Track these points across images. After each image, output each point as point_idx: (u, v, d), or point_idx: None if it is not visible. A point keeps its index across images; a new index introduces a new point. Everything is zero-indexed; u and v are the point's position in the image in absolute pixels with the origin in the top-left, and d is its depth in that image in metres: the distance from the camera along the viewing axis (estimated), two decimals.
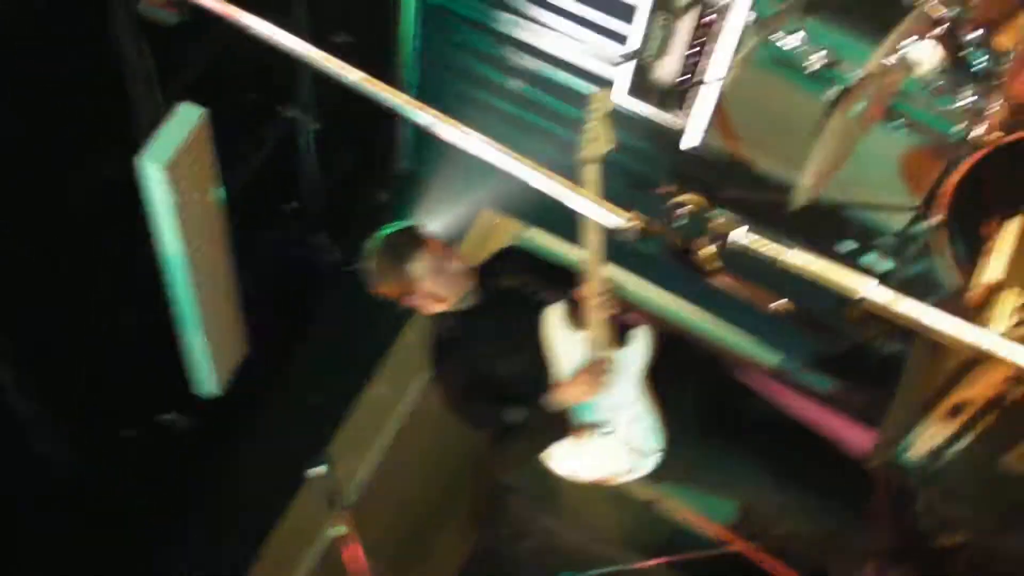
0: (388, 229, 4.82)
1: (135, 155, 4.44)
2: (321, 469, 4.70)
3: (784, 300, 1.75)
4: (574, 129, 4.57)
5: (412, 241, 4.74)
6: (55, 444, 5.21)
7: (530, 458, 4.81)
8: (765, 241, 1.92)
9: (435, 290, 4.71)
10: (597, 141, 4.41)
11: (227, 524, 6.55)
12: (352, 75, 2.18)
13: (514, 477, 4.71)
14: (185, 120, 4.56)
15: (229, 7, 2.33)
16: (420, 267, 4.67)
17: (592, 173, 4.42)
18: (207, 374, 5.76)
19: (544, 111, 6.96)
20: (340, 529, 4.66)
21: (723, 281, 1.79)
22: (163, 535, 6.17)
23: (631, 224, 1.87)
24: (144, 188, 4.56)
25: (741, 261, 2.01)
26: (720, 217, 1.93)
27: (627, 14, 5.88)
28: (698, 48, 5.30)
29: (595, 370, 4.51)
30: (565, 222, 4.69)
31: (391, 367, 7.35)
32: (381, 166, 7.84)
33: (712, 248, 1.91)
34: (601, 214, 1.87)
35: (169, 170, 4.49)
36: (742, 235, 1.90)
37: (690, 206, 1.90)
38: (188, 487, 6.38)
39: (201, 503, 6.52)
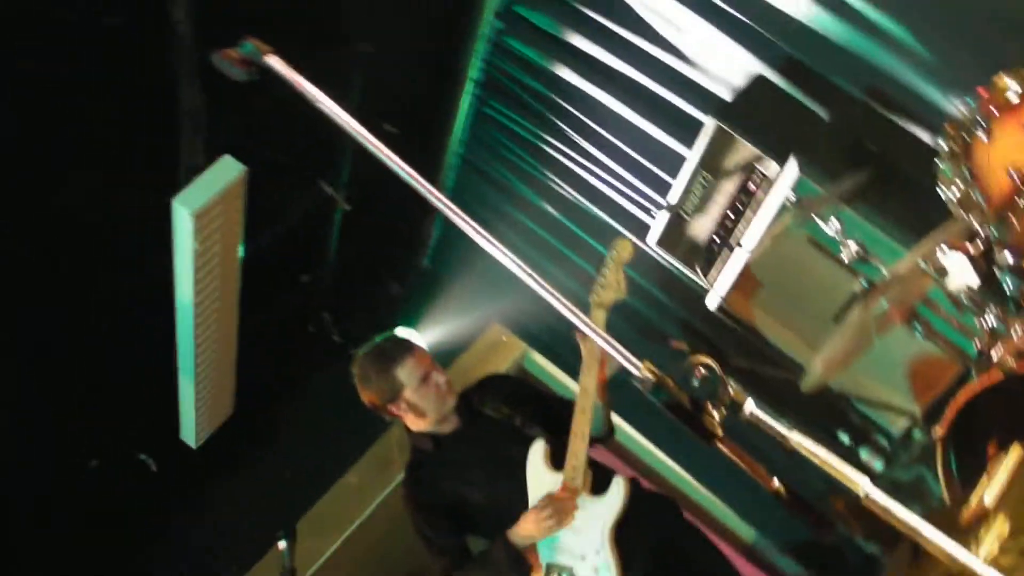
0: (379, 337, 4.86)
1: (170, 196, 4.48)
2: (282, 543, 4.64)
3: (777, 481, 1.74)
4: (597, 265, 4.64)
5: (400, 349, 4.76)
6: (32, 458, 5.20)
7: None
8: (770, 418, 1.91)
9: (416, 402, 4.71)
10: (608, 288, 4.52)
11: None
12: (398, 163, 2.19)
13: None
14: (224, 172, 4.61)
15: (296, 75, 2.36)
16: (404, 374, 4.68)
17: (599, 318, 4.49)
18: (190, 424, 5.75)
19: (573, 241, 6.99)
20: None
21: (723, 448, 1.78)
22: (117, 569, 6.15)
23: (645, 375, 1.86)
24: (173, 230, 4.59)
25: (739, 428, 2.00)
26: (730, 385, 1.92)
27: (674, 165, 5.94)
28: (735, 213, 5.34)
29: (563, 502, 4.49)
30: (569, 354, 4.74)
31: (369, 460, 7.34)
32: (402, 259, 7.88)
33: (717, 415, 1.90)
34: (619, 357, 1.87)
35: (198, 218, 4.52)
36: (750, 407, 1.90)
37: (704, 369, 1.90)
38: (149, 530, 6.36)
39: (159, 549, 6.49)
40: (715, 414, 1.91)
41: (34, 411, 5.13)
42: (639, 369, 1.87)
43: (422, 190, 2.03)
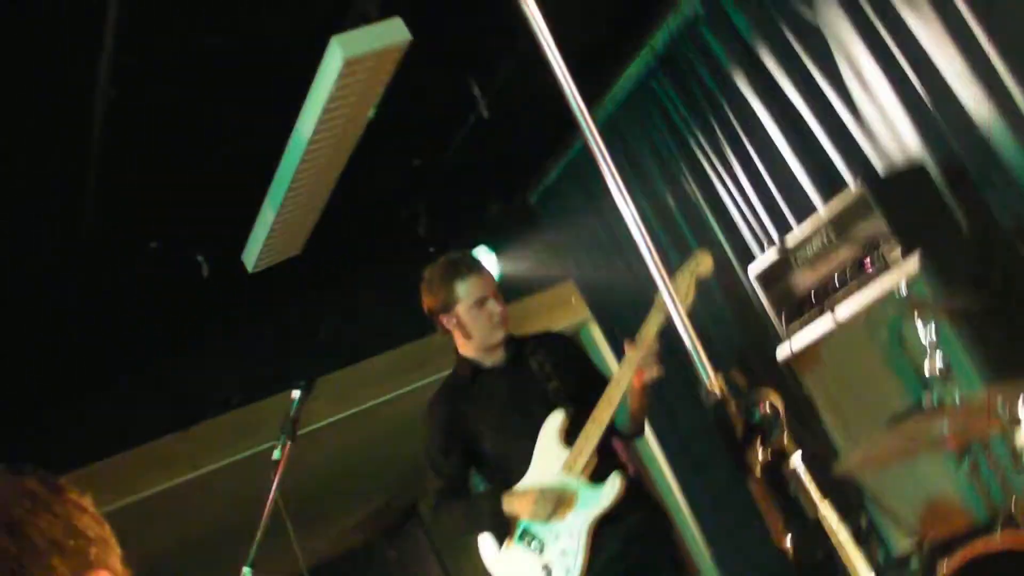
0: (457, 253, 4.89)
1: (328, 33, 4.50)
2: (297, 392, 4.66)
3: (790, 540, 1.71)
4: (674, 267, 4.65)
5: (469, 265, 4.80)
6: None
7: (462, 529, 4.82)
8: (810, 479, 1.90)
9: (467, 321, 4.74)
10: (676, 294, 4.46)
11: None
12: (568, 82, 2.15)
13: (438, 534, 4.71)
14: (391, 33, 4.63)
15: None
16: (463, 289, 4.71)
17: (655, 319, 4.48)
18: (255, 249, 5.80)
19: (678, 239, 6.97)
20: (276, 452, 4.60)
21: (754, 487, 1.76)
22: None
23: (714, 388, 1.85)
24: (320, 65, 4.61)
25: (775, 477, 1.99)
26: (787, 432, 1.91)
27: (803, 210, 5.89)
28: (841, 281, 5.28)
29: (564, 504, 4.53)
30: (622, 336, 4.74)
31: (403, 354, 7.39)
32: (512, 185, 7.88)
33: (762, 454, 1.88)
34: (698, 359, 1.85)
35: (348, 64, 4.54)
36: (797, 462, 1.88)
37: (769, 407, 1.88)
38: (175, 334, 6.47)
39: (178, 357, 6.61)
40: (760, 453, 1.89)
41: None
42: (710, 380, 1.85)
43: (581, 119, 2.00)
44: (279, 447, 4.56)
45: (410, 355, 7.39)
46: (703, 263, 4.64)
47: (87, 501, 1.39)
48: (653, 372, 4.50)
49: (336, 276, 7.12)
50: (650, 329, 4.52)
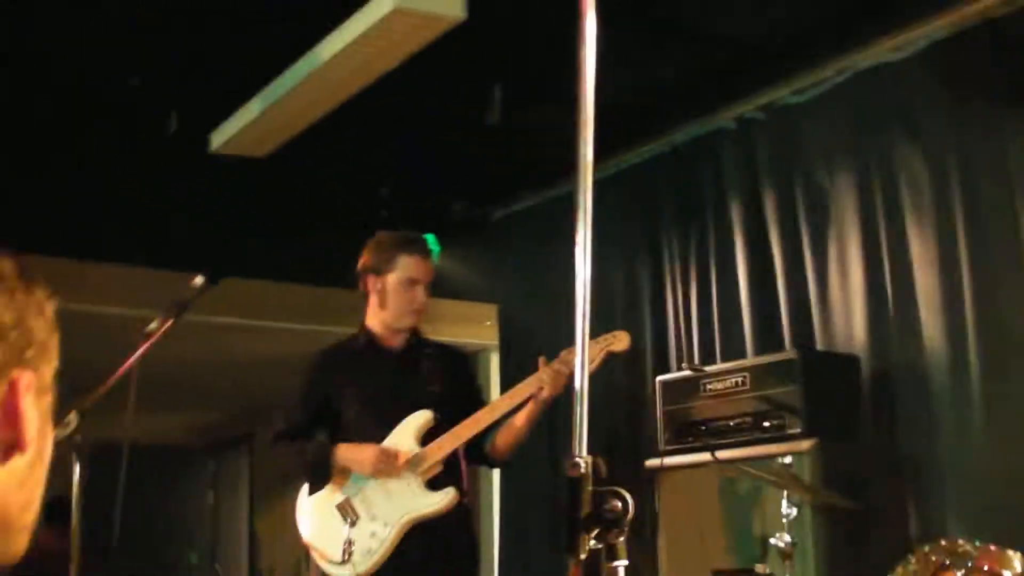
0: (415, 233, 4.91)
1: None
2: (200, 279, 4.58)
3: None
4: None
5: (419, 247, 4.80)
6: None
7: (290, 467, 4.82)
8: None
9: (390, 293, 4.75)
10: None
11: None
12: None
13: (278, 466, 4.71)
14: None
15: None
16: (403, 264, 4.71)
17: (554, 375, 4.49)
18: (227, 130, 5.79)
19: (608, 315, 7.04)
20: (153, 324, 4.52)
21: (571, 573, 1.77)
22: None
23: (579, 463, 1.86)
24: None
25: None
26: (624, 536, 1.92)
27: (733, 352, 5.97)
28: (738, 428, 5.35)
29: (395, 461, 4.54)
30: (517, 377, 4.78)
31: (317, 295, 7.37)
32: (483, 194, 7.89)
33: (593, 543, 1.89)
34: (582, 428, 1.86)
35: None
36: (621, 565, 1.89)
37: (621, 504, 1.89)
38: None
39: None
40: (592, 543, 1.89)
41: None
42: (581, 454, 1.86)
43: (580, 169, 2.00)
44: (158, 321, 4.50)
45: (323, 300, 7.38)
46: (620, 342, 4.61)
47: (50, 307, 1.36)
48: (561, 383, 4.49)
49: (288, 194, 7.09)
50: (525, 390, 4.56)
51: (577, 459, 1.85)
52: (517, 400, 4.61)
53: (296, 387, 4.83)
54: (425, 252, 4.80)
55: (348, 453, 4.62)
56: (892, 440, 5.47)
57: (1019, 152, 4.98)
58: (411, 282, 4.73)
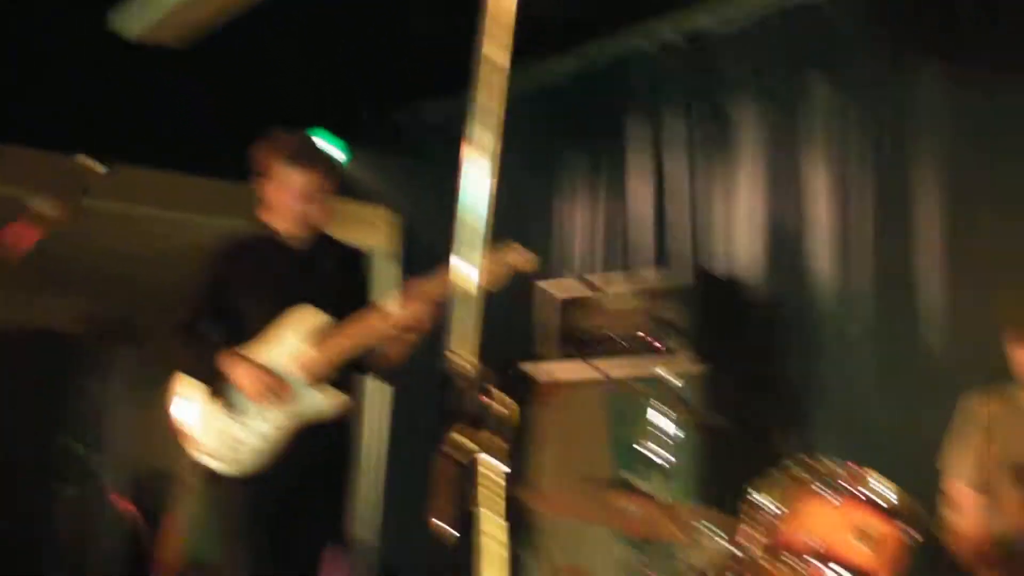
0: (315, 131, 4.82)
1: None
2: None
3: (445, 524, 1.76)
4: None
5: (314, 162, 4.70)
6: None
7: (183, 366, 4.77)
8: (489, 484, 1.94)
9: (279, 202, 4.70)
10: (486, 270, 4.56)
11: None
12: None
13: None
14: None
15: None
16: (295, 177, 4.64)
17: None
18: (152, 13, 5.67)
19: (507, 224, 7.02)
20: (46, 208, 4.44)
21: (440, 464, 1.79)
22: None
23: (462, 361, 1.88)
24: None
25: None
26: (493, 434, 1.95)
27: (630, 266, 6.02)
28: (621, 341, 5.40)
29: (276, 386, 4.54)
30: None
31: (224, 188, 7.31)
32: (391, 93, 7.81)
33: (463, 440, 1.92)
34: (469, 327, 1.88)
35: None
36: (486, 460, 1.93)
37: (495, 404, 1.93)
38: None
39: None
40: (464, 437, 1.93)
41: None
42: (465, 352, 1.88)
43: (483, 78, 2.00)
44: (48, 204, 4.42)
45: (220, 193, 7.29)
46: (526, 261, 4.62)
47: None
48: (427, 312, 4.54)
49: (209, 83, 6.95)
50: (440, 285, 4.53)
51: (455, 357, 1.87)
52: (408, 311, 4.56)
53: (203, 275, 4.77)
54: (322, 166, 4.70)
55: (239, 373, 4.55)
56: (775, 364, 5.57)
57: (924, 92, 5.05)
58: (302, 197, 4.66)
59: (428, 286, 4.55)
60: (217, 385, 4.63)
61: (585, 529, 5.15)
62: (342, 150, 7.60)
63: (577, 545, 5.36)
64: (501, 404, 1.89)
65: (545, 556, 5.31)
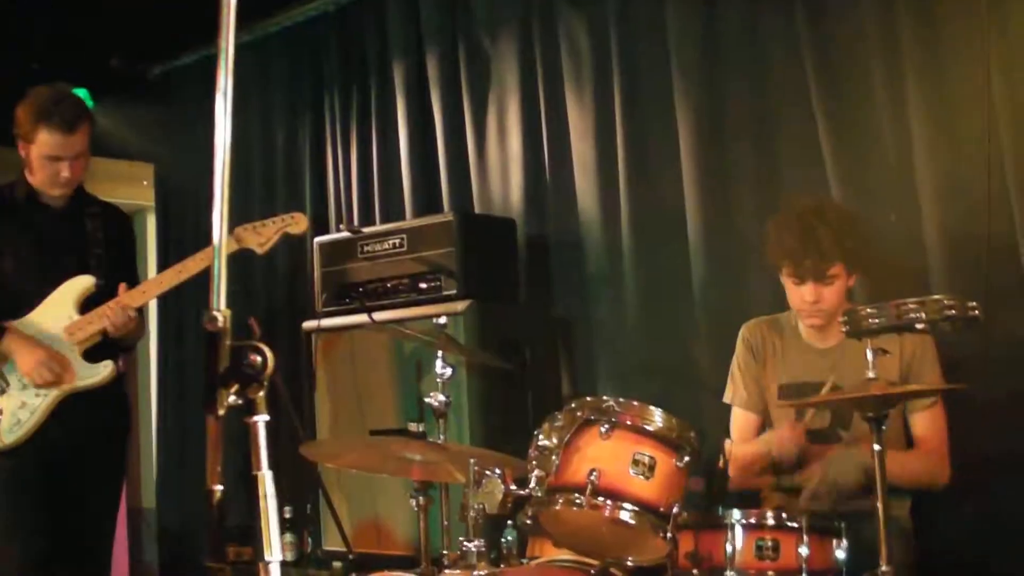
0: (74, 88, 4.70)
1: None
2: None
3: (219, 487, 1.70)
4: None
5: (64, 122, 4.54)
6: None
7: None
8: (264, 441, 1.89)
9: (34, 164, 4.57)
10: (257, 237, 4.63)
11: None
12: None
13: None
14: None
15: None
16: (44, 138, 4.50)
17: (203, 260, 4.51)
18: None
19: (268, 181, 6.93)
20: None
21: (211, 426, 1.74)
22: None
23: (218, 317, 1.81)
24: None
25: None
26: (262, 389, 1.89)
27: (393, 213, 5.97)
28: (392, 288, 5.37)
29: (56, 371, 4.45)
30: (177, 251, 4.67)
31: None
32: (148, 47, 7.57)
33: (233, 400, 1.86)
34: (220, 284, 1.81)
35: None
36: (261, 420, 1.87)
37: (260, 358, 1.87)
38: None
39: None
40: (232, 397, 1.86)
41: None
42: (219, 308, 1.81)
43: (225, 27, 1.92)
44: None
45: None
46: (298, 224, 4.72)
47: None
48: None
49: None
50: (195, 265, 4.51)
51: (214, 313, 1.81)
52: (185, 276, 4.54)
53: None
54: (68, 126, 4.54)
55: (13, 346, 4.45)
56: (547, 303, 5.63)
57: (677, 24, 5.10)
58: (54, 158, 4.54)
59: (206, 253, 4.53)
60: None
61: (375, 480, 5.13)
62: (93, 103, 7.34)
63: (372, 497, 5.35)
64: (259, 355, 1.83)
65: (342, 511, 5.29)
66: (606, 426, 3.47)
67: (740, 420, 4.34)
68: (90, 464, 4.62)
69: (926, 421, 4.03)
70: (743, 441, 4.22)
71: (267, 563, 1.86)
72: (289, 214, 4.75)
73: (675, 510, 3.41)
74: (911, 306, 3.24)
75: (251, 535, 5.34)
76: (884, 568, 3.26)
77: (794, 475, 4.11)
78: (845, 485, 3.78)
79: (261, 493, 1.87)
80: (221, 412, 1.85)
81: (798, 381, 4.13)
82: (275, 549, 1.87)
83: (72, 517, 4.59)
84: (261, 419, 1.87)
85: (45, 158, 4.52)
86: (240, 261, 5.33)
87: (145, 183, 8.03)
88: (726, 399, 4.40)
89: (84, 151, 4.62)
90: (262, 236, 4.62)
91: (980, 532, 4.21)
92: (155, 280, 4.66)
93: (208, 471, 1.87)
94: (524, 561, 4.12)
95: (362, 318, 5.17)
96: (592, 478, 3.39)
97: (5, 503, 4.50)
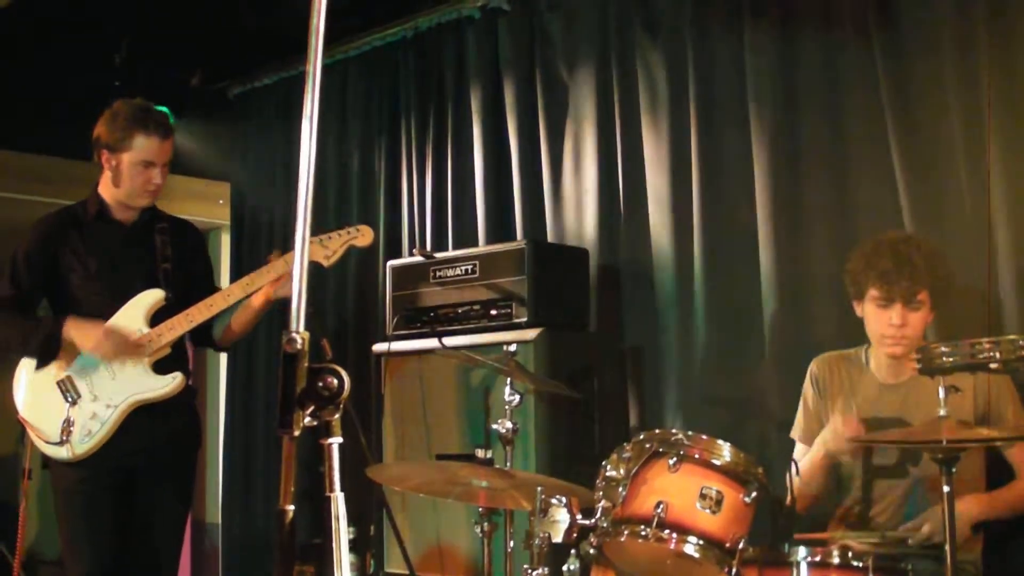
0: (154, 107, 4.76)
1: None
2: None
3: (292, 508, 1.72)
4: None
5: (158, 126, 4.64)
6: None
7: (12, 341, 4.64)
8: (336, 464, 1.91)
9: (124, 173, 4.62)
10: (325, 249, 4.65)
11: None
12: None
13: None
14: None
15: None
16: (140, 144, 4.57)
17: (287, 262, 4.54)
18: None
19: (343, 202, 6.98)
20: None
21: (285, 441, 1.75)
22: None
23: (297, 339, 1.83)
24: None
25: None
26: (340, 411, 1.91)
27: (466, 239, 5.99)
28: (464, 313, 5.39)
29: (126, 345, 4.48)
30: (250, 264, 4.70)
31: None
32: (225, 68, 7.66)
33: (308, 421, 1.88)
34: (300, 304, 1.83)
35: None
36: (335, 442, 1.89)
37: (336, 381, 1.88)
38: None
39: None
40: (307, 418, 1.88)
41: None
42: (298, 330, 1.83)
43: (312, 45, 1.95)
44: None
45: (47, 168, 7.10)
46: (364, 236, 4.71)
47: None
48: (286, 289, 4.53)
49: (13, 54, 6.72)
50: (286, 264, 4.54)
51: (294, 335, 1.83)
52: (251, 289, 4.59)
53: (23, 248, 4.65)
54: (163, 132, 4.64)
55: (76, 329, 4.50)
56: (617, 333, 5.62)
57: (754, 59, 5.10)
58: (148, 164, 4.61)
59: (275, 266, 4.57)
60: (46, 362, 4.55)
61: (440, 504, 5.13)
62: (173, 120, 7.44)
63: (436, 521, 5.35)
64: (336, 378, 1.85)
65: (405, 534, 5.29)
66: (674, 459, 3.47)
67: (802, 455, 4.32)
68: (160, 476, 4.65)
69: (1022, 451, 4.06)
70: (805, 476, 4.20)
71: None
72: (355, 227, 4.75)
73: (741, 545, 3.41)
74: (986, 345, 3.23)
75: (313, 553, 5.40)
76: None
77: (859, 502, 4.14)
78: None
79: (334, 514, 1.88)
80: (297, 433, 1.87)
81: (868, 417, 4.11)
82: (345, 570, 1.88)
83: (141, 528, 4.62)
84: (335, 441, 1.89)
85: (140, 164, 4.58)
86: (311, 282, 5.35)
87: (221, 202, 8.11)
88: (793, 434, 4.39)
89: (169, 161, 4.70)
90: (328, 249, 4.65)
91: None
92: (222, 294, 4.68)
93: (281, 491, 1.88)
94: None
95: (432, 343, 5.18)
96: (659, 511, 3.39)
97: (76, 513, 4.55)
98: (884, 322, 4.06)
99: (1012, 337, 3.26)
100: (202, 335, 4.81)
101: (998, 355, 3.21)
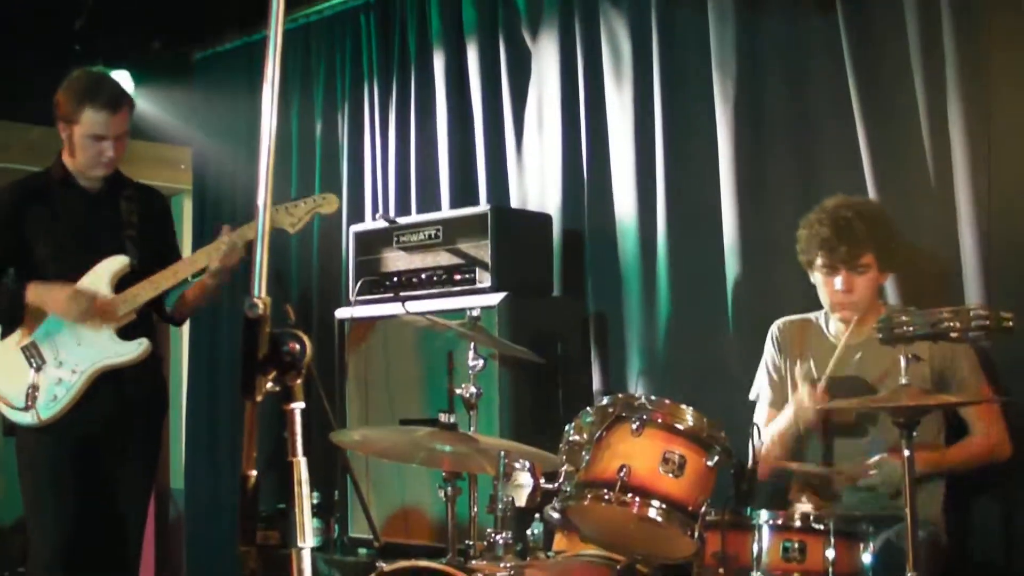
0: (107, 69, 4.74)
1: None
2: None
3: (254, 473, 1.71)
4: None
5: (108, 97, 4.60)
6: None
7: None
8: (299, 428, 1.90)
9: (77, 144, 4.60)
10: (290, 217, 4.72)
11: None
12: None
13: None
14: None
15: None
16: (89, 118, 4.54)
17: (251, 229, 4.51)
18: None
19: (306, 167, 6.94)
20: None
21: (248, 412, 1.74)
22: None
23: (259, 304, 1.82)
24: None
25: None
26: (300, 377, 1.91)
27: (430, 204, 5.97)
28: (426, 278, 5.38)
29: (94, 307, 4.47)
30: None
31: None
32: (181, 33, 7.59)
33: (270, 386, 1.87)
34: (261, 270, 1.82)
35: None
36: (297, 407, 1.88)
37: (299, 346, 1.88)
38: None
39: None
40: (269, 383, 1.88)
41: None
42: (260, 295, 1.82)
43: (274, 10, 1.93)
44: None
45: (7, 133, 7.05)
46: (329, 204, 4.80)
47: None
48: (235, 257, 4.56)
49: None
50: (249, 231, 4.52)
51: (255, 300, 1.83)
52: (216, 257, 4.58)
53: None
54: (113, 106, 4.59)
55: (41, 292, 4.50)
56: (581, 298, 5.63)
57: (718, 26, 5.09)
58: (98, 138, 4.58)
59: (236, 234, 4.55)
60: (11, 329, 4.57)
61: (404, 469, 5.14)
62: (133, 86, 7.39)
63: (400, 486, 5.37)
64: (298, 343, 1.85)
65: (370, 499, 5.30)
66: (637, 423, 3.49)
67: (763, 416, 4.38)
68: (125, 441, 4.65)
69: (979, 409, 4.11)
70: (769, 438, 4.23)
71: (299, 549, 1.87)
72: (321, 195, 4.81)
73: (703, 509, 3.43)
74: (946, 315, 3.27)
75: (277, 519, 5.39)
76: (911, 575, 3.27)
77: (823, 468, 4.17)
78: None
79: (296, 479, 1.87)
80: (259, 398, 1.86)
81: (829, 377, 4.14)
82: (308, 535, 1.88)
83: (107, 493, 4.63)
84: (298, 407, 1.89)
85: (89, 138, 4.55)
86: (274, 248, 5.33)
87: (183, 167, 8.07)
88: (752, 395, 4.43)
89: (125, 132, 4.66)
90: (294, 216, 4.69)
91: (1011, 543, 4.22)
92: (187, 260, 4.68)
93: (244, 456, 1.87)
94: (550, 555, 4.14)
95: (395, 308, 5.17)
96: (622, 475, 3.41)
97: (41, 478, 4.56)
98: (830, 289, 4.14)
99: (970, 306, 3.31)
100: (156, 308, 4.81)
101: (957, 324, 3.25)
